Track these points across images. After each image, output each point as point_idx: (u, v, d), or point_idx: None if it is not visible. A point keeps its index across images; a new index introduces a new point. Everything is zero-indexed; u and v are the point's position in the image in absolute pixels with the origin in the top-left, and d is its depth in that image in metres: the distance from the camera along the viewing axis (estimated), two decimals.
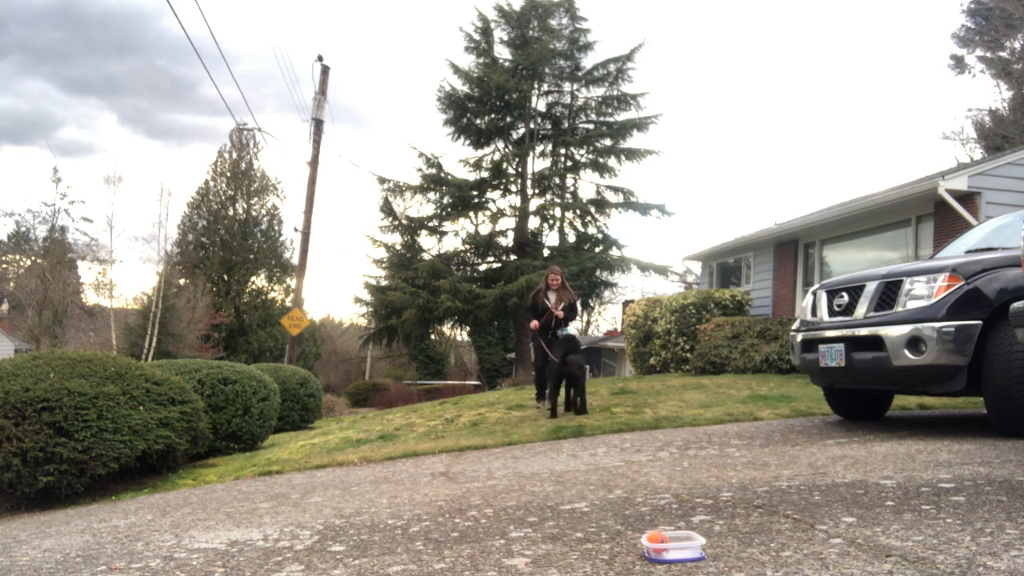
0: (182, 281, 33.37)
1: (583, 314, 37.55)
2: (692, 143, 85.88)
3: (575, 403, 7.81)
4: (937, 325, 4.72)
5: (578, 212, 22.43)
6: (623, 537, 2.67)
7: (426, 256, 22.12)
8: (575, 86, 22.40)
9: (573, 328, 8.63)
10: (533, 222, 22.41)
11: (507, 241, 22.53)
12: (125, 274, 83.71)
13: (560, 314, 8.00)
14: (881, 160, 68.97)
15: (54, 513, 5.09)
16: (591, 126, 22.59)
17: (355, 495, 4.19)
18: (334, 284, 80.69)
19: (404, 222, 22.79)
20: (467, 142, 22.69)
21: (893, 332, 4.93)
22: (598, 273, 21.98)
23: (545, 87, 22.37)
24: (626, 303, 23.06)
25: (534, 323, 8.12)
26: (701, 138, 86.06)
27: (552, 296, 8.19)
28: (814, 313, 5.84)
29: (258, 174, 37.49)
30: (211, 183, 36.79)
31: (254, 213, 37.04)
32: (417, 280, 20.99)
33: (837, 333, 5.42)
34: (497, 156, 22.29)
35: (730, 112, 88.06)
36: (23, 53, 69.60)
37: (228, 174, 36.93)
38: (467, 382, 36.97)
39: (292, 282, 33.85)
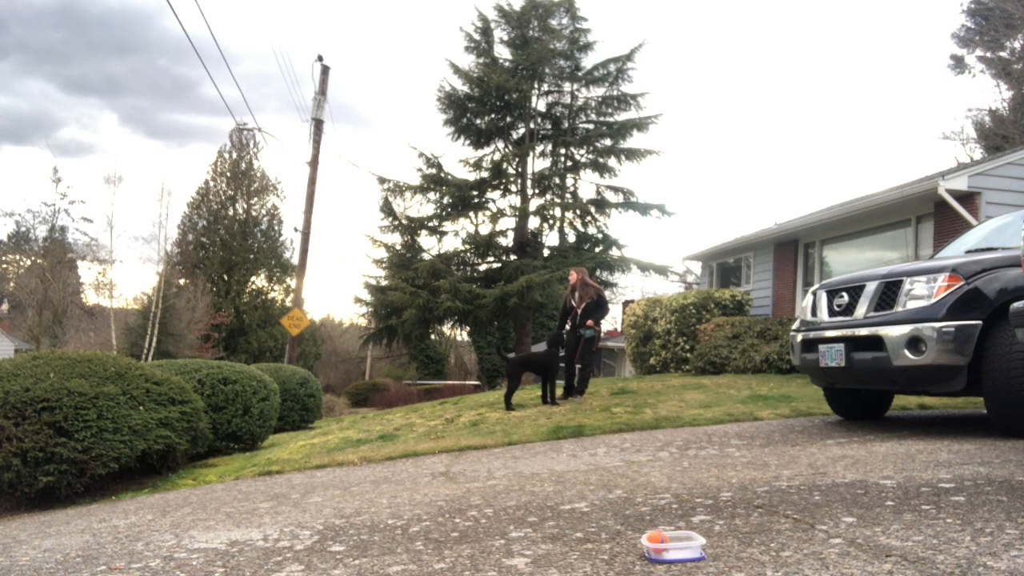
0: (182, 281, 33.37)
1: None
2: (692, 143, 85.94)
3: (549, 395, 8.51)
4: (937, 325, 4.72)
5: (578, 212, 22.40)
6: (623, 537, 2.67)
7: (426, 256, 22.08)
8: (575, 86, 22.37)
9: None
10: (533, 222, 22.38)
11: (507, 241, 22.50)
12: (125, 274, 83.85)
13: (589, 324, 8.48)
14: (881, 160, 69.01)
15: (54, 513, 5.09)
16: (591, 126, 22.56)
17: (355, 495, 4.19)
18: (334, 284, 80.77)
19: (404, 222, 22.75)
20: (467, 142, 22.67)
21: (893, 332, 4.93)
22: (598, 273, 21.92)
23: (545, 87, 22.34)
24: (626, 303, 23.04)
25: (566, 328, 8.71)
26: (701, 138, 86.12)
27: (576, 295, 8.61)
28: (814, 313, 5.84)
29: (258, 174, 37.51)
30: (211, 183, 36.81)
31: (254, 213, 37.05)
32: (417, 280, 20.97)
33: (837, 333, 5.42)
34: (497, 156, 22.25)
35: (730, 112, 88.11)
36: (24, 53, 69.63)
37: (228, 174, 36.93)
38: (467, 382, 36.97)
39: (292, 282, 33.86)
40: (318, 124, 18.62)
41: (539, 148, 22.41)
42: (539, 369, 8.88)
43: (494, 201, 22.53)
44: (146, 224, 70.81)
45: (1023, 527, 2.44)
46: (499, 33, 22.63)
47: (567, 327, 8.68)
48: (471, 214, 22.33)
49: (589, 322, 8.45)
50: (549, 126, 22.73)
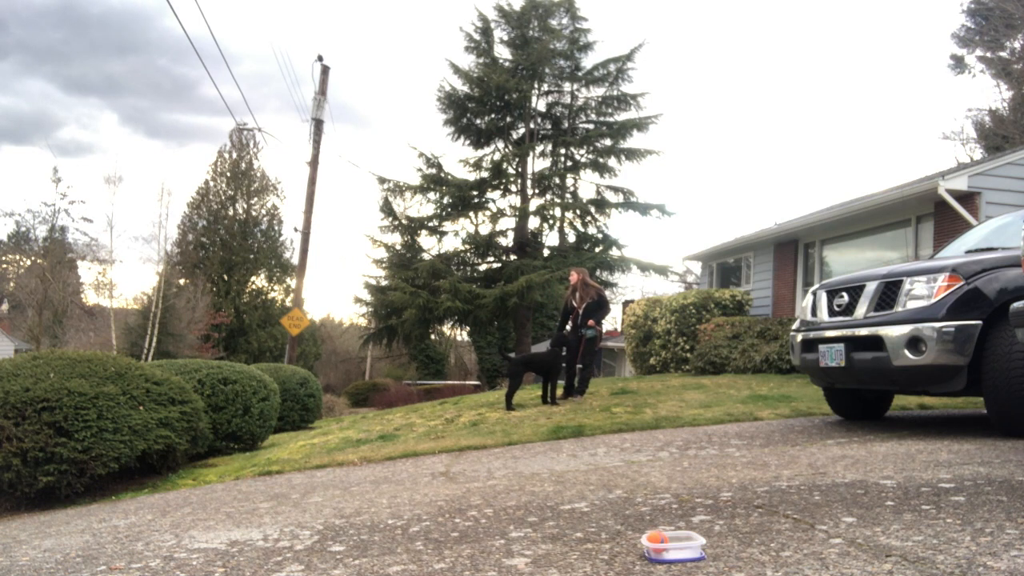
0: (182, 281, 33.38)
1: None
2: (692, 143, 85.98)
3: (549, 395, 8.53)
4: (937, 325, 4.72)
5: (578, 212, 22.39)
6: (623, 537, 2.67)
7: (426, 256, 22.08)
8: (575, 86, 22.36)
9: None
10: (533, 222, 22.37)
11: (507, 241, 22.49)
12: (125, 274, 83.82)
13: (591, 324, 8.46)
14: (881, 160, 69.03)
15: (54, 513, 5.09)
16: (591, 126, 22.55)
17: (355, 495, 4.19)
18: (334, 284, 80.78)
19: (404, 222, 22.75)
20: (467, 142, 22.66)
21: (893, 332, 4.93)
22: (598, 273, 21.93)
23: (545, 87, 22.33)
24: (626, 303, 23.04)
25: (566, 330, 8.73)
26: (701, 138, 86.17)
27: (577, 296, 8.61)
28: (814, 313, 5.84)
29: (258, 174, 37.53)
30: (211, 183, 36.83)
31: (254, 213, 37.08)
32: (417, 280, 20.96)
33: (837, 333, 5.41)
34: (497, 156, 22.24)
35: (730, 112, 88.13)
36: (24, 53, 69.66)
37: (228, 174, 36.94)
38: (467, 382, 36.97)
39: (292, 282, 33.87)
40: (318, 124, 18.62)
41: (539, 148, 22.40)
42: (541, 369, 8.88)
43: (494, 201, 22.54)
44: (146, 224, 70.77)
45: (1023, 527, 2.44)
46: (499, 33, 22.63)
47: (568, 327, 8.69)
48: (471, 214, 22.33)
49: (590, 322, 8.46)
50: (549, 126, 22.73)
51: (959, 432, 5.16)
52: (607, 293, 27.29)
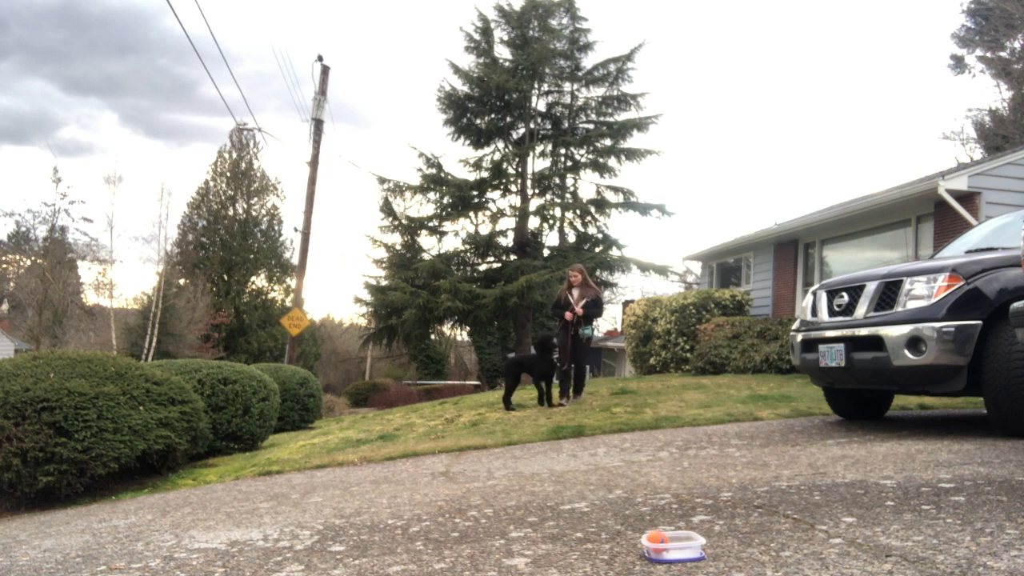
0: (182, 281, 33.41)
1: None
2: (692, 143, 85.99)
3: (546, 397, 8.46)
4: (937, 325, 4.72)
5: (578, 212, 22.40)
6: (623, 537, 2.67)
7: (426, 256, 22.08)
8: (575, 86, 22.36)
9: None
10: (533, 222, 22.37)
11: (507, 241, 22.49)
12: (125, 274, 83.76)
13: (580, 311, 8.28)
14: (881, 160, 69.02)
15: (54, 513, 5.09)
16: (591, 126, 22.55)
17: (355, 495, 4.19)
18: (334, 284, 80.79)
19: (404, 222, 22.75)
20: (467, 142, 22.66)
21: (893, 332, 4.93)
22: (598, 273, 21.93)
23: (545, 87, 22.33)
24: (626, 303, 23.05)
25: (566, 316, 8.50)
26: (701, 138, 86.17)
27: (575, 293, 8.50)
28: (814, 313, 5.84)
29: (258, 174, 37.56)
30: (211, 183, 36.85)
31: (254, 213, 37.10)
32: (417, 280, 20.97)
33: (837, 333, 5.42)
34: (497, 156, 22.25)
35: (730, 112, 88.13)
36: (24, 53, 69.71)
37: (228, 174, 36.96)
38: (467, 382, 36.95)
39: (292, 282, 33.88)
40: (318, 124, 18.63)
41: (539, 148, 22.40)
42: (529, 371, 8.87)
43: (494, 201, 22.55)
44: (146, 224, 70.86)
45: (1023, 527, 2.44)
46: (499, 33, 22.63)
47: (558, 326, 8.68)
48: (471, 214, 22.33)
49: (576, 309, 8.41)
50: (549, 126, 22.73)
51: (959, 432, 5.16)
52: (606, 293, 27.34)
